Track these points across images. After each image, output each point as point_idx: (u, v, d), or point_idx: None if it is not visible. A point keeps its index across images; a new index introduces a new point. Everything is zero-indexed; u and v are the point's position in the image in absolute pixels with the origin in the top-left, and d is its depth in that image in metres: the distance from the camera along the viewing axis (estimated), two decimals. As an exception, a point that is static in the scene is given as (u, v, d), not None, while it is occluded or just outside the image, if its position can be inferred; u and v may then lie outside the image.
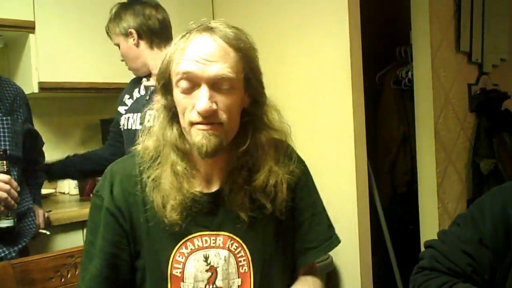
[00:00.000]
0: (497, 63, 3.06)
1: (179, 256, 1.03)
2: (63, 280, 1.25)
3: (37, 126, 2.03)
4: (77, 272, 1.27)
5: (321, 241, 1.13)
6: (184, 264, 1.03)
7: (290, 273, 1.14)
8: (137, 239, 1.05)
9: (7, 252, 1.59)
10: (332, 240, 1.15)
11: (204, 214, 1.05)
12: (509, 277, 1.07)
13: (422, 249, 1.21)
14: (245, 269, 1.06)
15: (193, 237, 1.04)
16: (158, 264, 1.04)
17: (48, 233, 1.97)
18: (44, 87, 2.33)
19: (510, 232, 1.08)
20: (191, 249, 1.04)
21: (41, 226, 1.93)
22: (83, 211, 2.08)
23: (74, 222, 2.09)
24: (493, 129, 2.87)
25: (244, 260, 1.06)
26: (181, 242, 1.04)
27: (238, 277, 1.06)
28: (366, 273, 2.19)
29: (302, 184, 1.14)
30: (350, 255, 2.18)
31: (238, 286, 1.06)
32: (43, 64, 2.32)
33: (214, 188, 1.07)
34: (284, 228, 1.11)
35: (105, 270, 1.03)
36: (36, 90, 2.32)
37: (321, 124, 2.33)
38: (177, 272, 1.03)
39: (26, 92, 1.92)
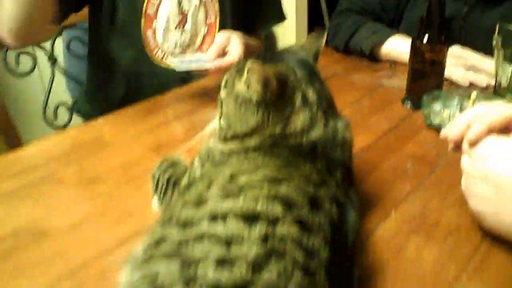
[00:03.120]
0: None
1: None
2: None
3: None
4: None
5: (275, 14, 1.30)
6: (159, 5, 1.12)
7: None
8: None
9: None
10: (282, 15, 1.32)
11: None
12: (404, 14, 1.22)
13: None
14: (211, 20, 1.17)
15: None
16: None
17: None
18: None
19: None
20: None
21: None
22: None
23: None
24: None
25: (212, 11, 1.16)
26: None
27: (205, 26, 1.17)
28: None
29: None
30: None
31: (204, 34, 1.18)
32: None
33: None
34: None
35: None
36: None
37: None
38: (151, 12, 1.12)
39: None
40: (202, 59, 1.02)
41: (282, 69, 0.56)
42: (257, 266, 0.40)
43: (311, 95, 0.56)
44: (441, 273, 0.55)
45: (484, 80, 1.01)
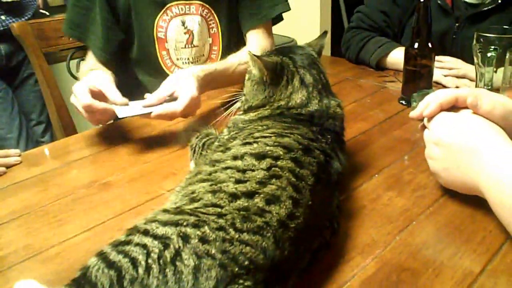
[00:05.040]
0: None
1: (162, 22, 1.29)
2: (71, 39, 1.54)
3: None
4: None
5: (266, 7, 1.33)
6: (166, 28, 1.29)
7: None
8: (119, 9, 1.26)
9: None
10: (278, 7, 1.34)
11: None
12: (406, 29, 1.41)
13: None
14: (214, 30, 1.35)
15: (171, 6, 1.28)
16: (145, 28, 1.29)
17: (47, 13, 2.24)
18: None
19: None
20: (171, 16, 1.29)
21: (40, 6, 2.18)
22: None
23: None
24: None
25: (213, 23, 1.34)
26: (162, 10, 1.28)
27: (209, 37, 1.35)
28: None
29: None
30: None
31: (210, 44, 1.36)
32: None
33: None
34: None
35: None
36: None
37: None
38: (161, 35, 1.30)
39: None
40: (143, 105, 0.99)
41: (278, 59, 0.76)
42: (262, 183, 0.59)
43: (308, 78, 0.76)
44: (405, 214, 0.73)
45: (467, 84, 1.19)
